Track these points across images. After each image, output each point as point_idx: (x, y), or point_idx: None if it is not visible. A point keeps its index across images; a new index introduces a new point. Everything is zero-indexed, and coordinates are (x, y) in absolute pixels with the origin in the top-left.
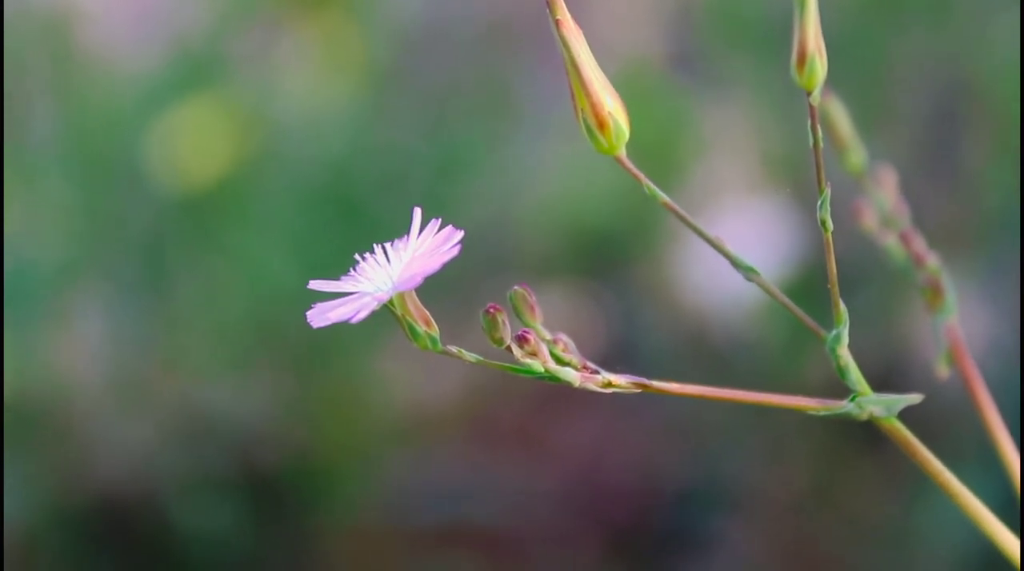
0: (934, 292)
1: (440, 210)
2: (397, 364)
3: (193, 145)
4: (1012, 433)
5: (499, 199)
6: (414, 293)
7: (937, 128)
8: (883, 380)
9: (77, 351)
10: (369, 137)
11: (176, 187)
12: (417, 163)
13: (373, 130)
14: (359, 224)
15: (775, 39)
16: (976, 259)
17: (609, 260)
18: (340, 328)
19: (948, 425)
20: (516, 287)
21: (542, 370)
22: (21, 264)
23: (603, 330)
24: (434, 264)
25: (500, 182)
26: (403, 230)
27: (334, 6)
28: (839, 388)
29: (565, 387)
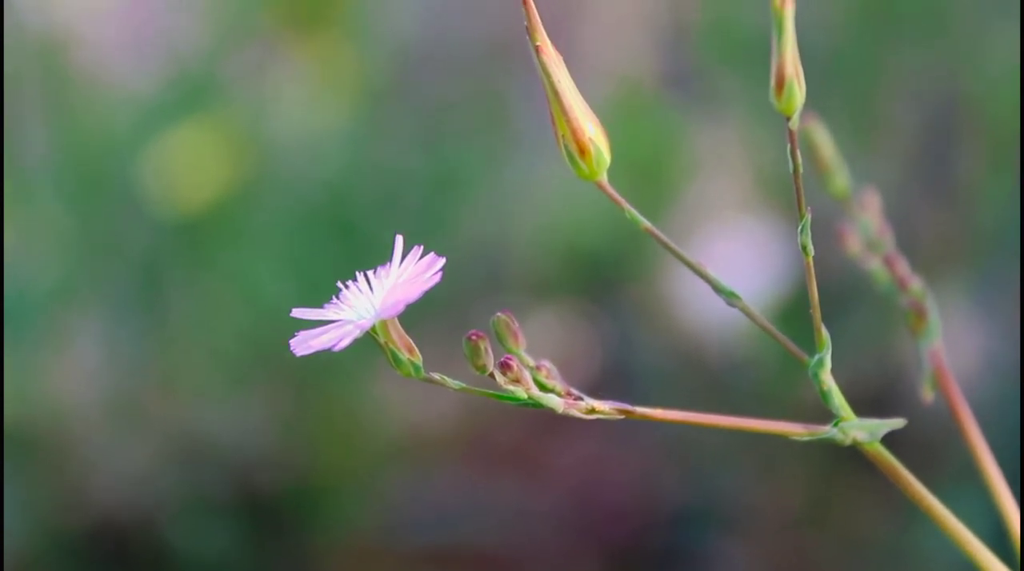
0: (918, 316)
1: (436, 229)
2: (394, 385)
3: (189, 166)
4: (1010, 448)
5: (495, 218)
6: (396, 320)
7: (932, 142)
8: (880, 399)
9: (74, 373)
10: (365, 157)
11: (172, 208)
12: (413, 182)
13: (369, 150)
14: (355, 244)
15: (768, 58)
16: (972, 274)
17: (604, 281)
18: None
19: (946, 445)
20: (499, 314)
21: (525, 397)
22: (17, 286)
23: (598, 351)
24: (415, 292)
25: (496, 201)
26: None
27: (330, 26)
28: None
29: None
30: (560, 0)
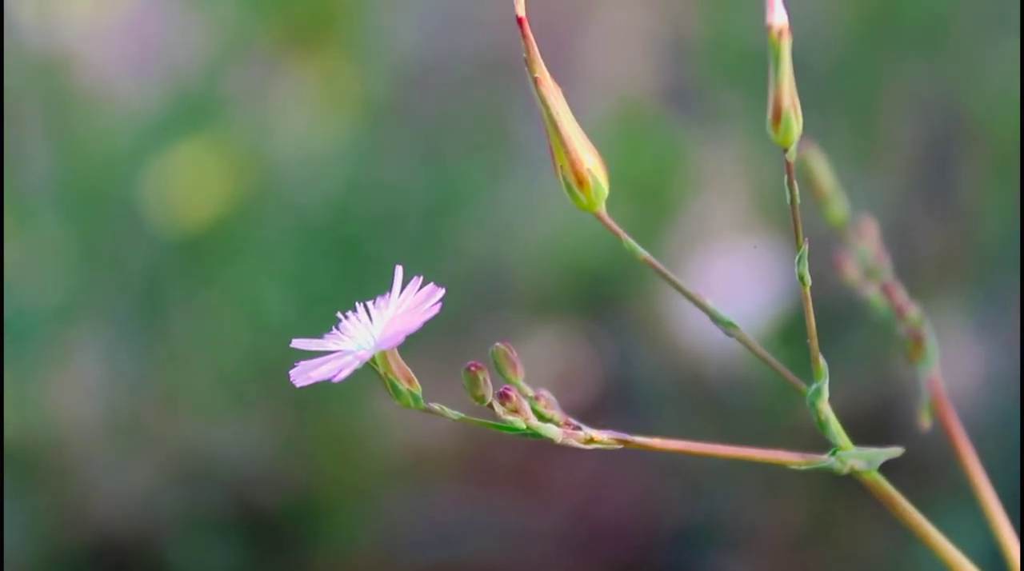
0: (915, 343)
1: (436, 247)
2: (393, 403)
3: (190, 184)
4: (1009, 465)
5: (495, 236)
6: (396, 351)
7: (933, 158)
8: (876, 419)
9: (75, 392)
10: (366, 173)
11: (173, 226)
12: (414, 200)
13: (370, 166)
14: (356, 261)
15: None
16: (972, 289)
17: (604, 299)
18: None
19: (941, 465)
20: (498, 344)
21: (524, 427)
22: (18, 305)
23: (598, 369)
24: (415, 322)
25: (497, 219)
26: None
27: (331, 43)
28: None
29: None
30: (559, 17)
